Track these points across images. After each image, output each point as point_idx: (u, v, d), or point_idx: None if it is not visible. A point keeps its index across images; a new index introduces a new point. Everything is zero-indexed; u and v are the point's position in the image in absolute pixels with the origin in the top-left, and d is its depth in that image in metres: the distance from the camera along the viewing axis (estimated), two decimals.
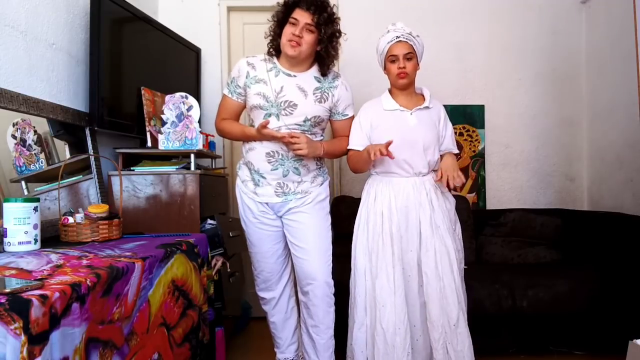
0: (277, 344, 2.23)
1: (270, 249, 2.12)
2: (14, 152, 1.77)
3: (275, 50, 2.05)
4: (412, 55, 2.02)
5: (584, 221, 2.94)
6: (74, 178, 2.08)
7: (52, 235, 1.76)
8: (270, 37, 2.05)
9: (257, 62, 2.05)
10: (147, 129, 2.42)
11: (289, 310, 2.20)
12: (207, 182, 2.43)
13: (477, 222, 3.04)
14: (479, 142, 3.34)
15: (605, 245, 2.69)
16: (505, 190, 3.36)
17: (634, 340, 1.49)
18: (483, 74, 3.35)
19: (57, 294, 0.93)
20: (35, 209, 1.50)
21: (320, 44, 1.98)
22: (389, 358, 1.91)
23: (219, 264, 2.28)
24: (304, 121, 2.00)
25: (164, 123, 2.37)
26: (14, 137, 1.78)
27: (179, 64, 2.95)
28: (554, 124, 3.37)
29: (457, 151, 2.17)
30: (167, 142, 2.35)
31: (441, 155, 2.11)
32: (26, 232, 1.47)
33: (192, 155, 2.36)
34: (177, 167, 2.33)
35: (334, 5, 2.21)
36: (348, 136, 2.13)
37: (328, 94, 2.04)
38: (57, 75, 2.00)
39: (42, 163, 1.89)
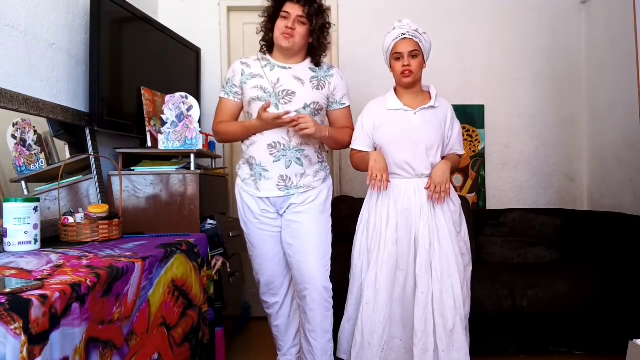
0: (279, 346, 2.21)
1: (271, 250, 2.09)
2: (14, 152, 1.77)
3: (267, 45, 2.07)
4: (417, 53, 1.98)
5: (584, 221, 2.94)
6: (74, 178, 2.08)
7: (52, 235, 1.76)
8: (262, 33, 2.06)
9: (250, 61, 2.07)
10: (147, 129, 2.42)
11: (292, 313, 2.18)
12: (207, 182, 2.43)
13: (477, 222, 3.03)
14: (479, 142, 3.34)
15: (605, 245, 2.69)
16: (505, 190, 3.36)
17: (634, 340, 1.49)
18: (483, 74, 3.35)
19: (57, 294, 0.93)
20: (35, 209, 1.50)
21: (312, 35, 2.03)
22: (364, 353, 1.95)
23: (219, 264, 2.28)
24: (304, 108, 2.00)
25: (164, 123, 2.37)
26: (14, 137, 1.78)
27: (179, 64, 2.95)
28: (554, 124, 3.37)
29: (462, 152, 2.14)
30: (167, 142, 2.35)
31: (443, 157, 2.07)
32: (26, 232, 1.47)
33: (192, 155, 2.35)
34: (177, 167, 2.33)
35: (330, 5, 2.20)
36: (348, 127, 2.14)
37: (325, 82, 2.06)
38: (57, 75, 2.00)
39: (42, 163, 1.89)
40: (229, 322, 2.61)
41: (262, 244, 2.10)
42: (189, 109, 2.39)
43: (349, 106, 2.15)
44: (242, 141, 2.10)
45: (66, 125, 2.04)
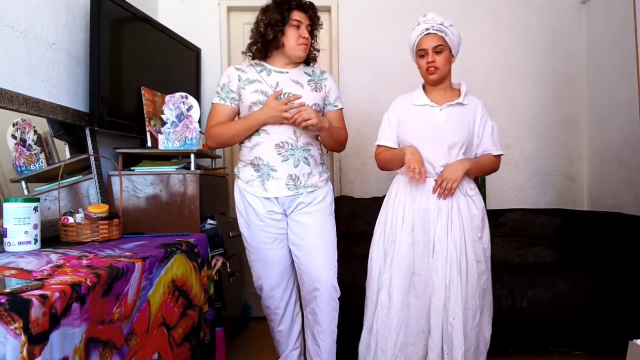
0: (281, 350, 2.19)
1: (275, 254, 2.05)
2: (14, 152, 1.77)
3: (263, 51, 2.03)
4: (442, 48, 1.91)
5: (584, 221, 2.94)
6: (74, 178, 2.08)
7: (52, 235, 1.76)
8: (261, 40, 2.00)
9: (245, 67, 2.05)
10: (147, 129, 2.42)
11: (295, 317, 2.16)
12: (207, 182, 2.42)
13: None
14: None
15: (605, 245, 2.69)
16: (505, 190, 3.36)
17: (634, 340, 1.49)
18: (483, 74, 3.35)
19: (57, 294, 0.93)
20: (35, 209, 1.50)
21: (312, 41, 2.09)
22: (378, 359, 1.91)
23: (219, 264, 2.28)
24: None
25: (164, 123, 2.37)
26: (14, 137, 1.78)
27: (179, 64, 2.95)
28: (554, 124, 3.37)
29: (497, 153, 2.01)
30: (167, 142, 2.35)
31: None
32: (26, 232, 1.47)
33: (192, 155, 2.35)
34: (177, 167, 2.33)
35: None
36: (342, 128, 2.13)
37: (320, 84, 2.09)
38: (57, 75, 2.00)
39: (42, 163, 1.89)
40: (229, 322, 2.61)
41: (266, 247, 2.05)
42: (189, 109, 2.39)
43: (341, 109, 2.16)
44: (241, 144, 2.05)
45: (66, 125, 2.04)
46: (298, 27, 1.98)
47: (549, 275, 2.54)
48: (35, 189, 1.86)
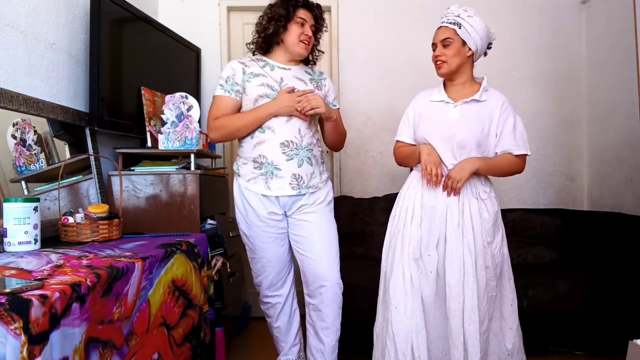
0: (280, 347, 2.19)
1: (275, 253, 2.07)
2: (14, 152, 1.77)
3: (266, 45, 2.06)
4: (450, 41, 1.84)
5: (584, 221, 2.94)
6: (74, 178, 2.08)
7: (52, 235, 1.76)
8: (263, 33, 2.03)
9: (247, 61, 2.06)
10: (147, 129, 2.42)
11: (292, 313, 2.17)
12: (207, 182, 2.42)
13: None
14: None
15: (605, 245, 2.69)
16: (505, 190, 3.36)
17: (634, 340, 1.49)
18: (483, 74, 3.33)
19: (57, 294, 0.93)
20: (35, 209, 1.50)
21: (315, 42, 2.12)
22: None
23: (219, 264, 2.28)
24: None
25: (164, 123, 2.37)
26: (14, 137, 1.78)
27: (179, 64, 2.95)
28: (554, 124, 3.37)
29: (520, 152, 1.92)
30: (167, 142, 2.35)
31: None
32: (26, 232, 1.47)
33: (192, 155, 2.35)
34: (177, 167, 2.33)
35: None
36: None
37: (320, 84, 2.12)
38: (57, 75, 2.00)
39: (42, 163, 1.89)
40: (229, 322, 2.61)
41: (266, 247, 2.05)
42: (189, 109, 2.39)
43: (339, 108, 2.19)
44: (242, 140, 2.04)
45: (66, 125, 2.04)
46: (302, 24, 1.99)
47: (549, 275, 2.54)
48: (35, 189, 1.86)
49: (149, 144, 2.41)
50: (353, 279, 2.32)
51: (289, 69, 2.06)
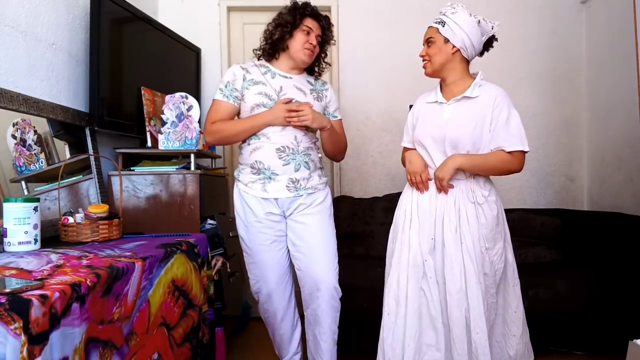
0: (282, 354, 2.18)
1: (272, 257, 2.05)
2: (14, 152, 1.77)
3: (271, 51, 2.06)
4: (433, 40, 1.83)
5: (584, 221, 2.94)
6: (74, 178, 2.08)
7: (52, 235, 1.76)
8: (270, 39, 2.04)
9: (249, 67, 2.06)
10: (147, 129, 2.42)
11: (295, 322, 2.15)
12: (207, 182, 2.43)
13: None
14: None
15: (605, 245, 2.68)
16: (505, 191, 3.36)
17: (634, 340, 1.49)
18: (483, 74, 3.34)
19: (57, 294, 0.93)
20: (35, 209, 1.50)
21: (320, 52, 2.11)
22: None
23: (219, 264, 2.28)
24: None
25: (164, 123, 2.37)
26: (14, 137, 1.78)
27: (179, 64, 2.95)
28: (554, 124, 3.37)
29: (512, 149, 1.79)
30: (167, 142, 2.35)
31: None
32: (26, 232, 1.47)
33: (192, 155, 2.35)
34: (177, 167, 2.33)
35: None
36: (341, 134, 2.13)
37: (322, 94, 2.11)
38: (57, 75, 2.00)
39: (42, 163, 1.89)
40: (229, 322, 2.61)
41: (263, 249, 2.04)
42: (189, 109, 2.39)
43: (340, 119, 2.18)
44: (241, 146, 2.06)
45: (66, 125, 2.04)
46: (308, 33, 2.00)
47: (549, 275, 2.54)
48: (35, 189, 1.86)
49: (149, 144, 2.41)
50: (353, 279, 2.32)
51: (290, 78, 2.05)
